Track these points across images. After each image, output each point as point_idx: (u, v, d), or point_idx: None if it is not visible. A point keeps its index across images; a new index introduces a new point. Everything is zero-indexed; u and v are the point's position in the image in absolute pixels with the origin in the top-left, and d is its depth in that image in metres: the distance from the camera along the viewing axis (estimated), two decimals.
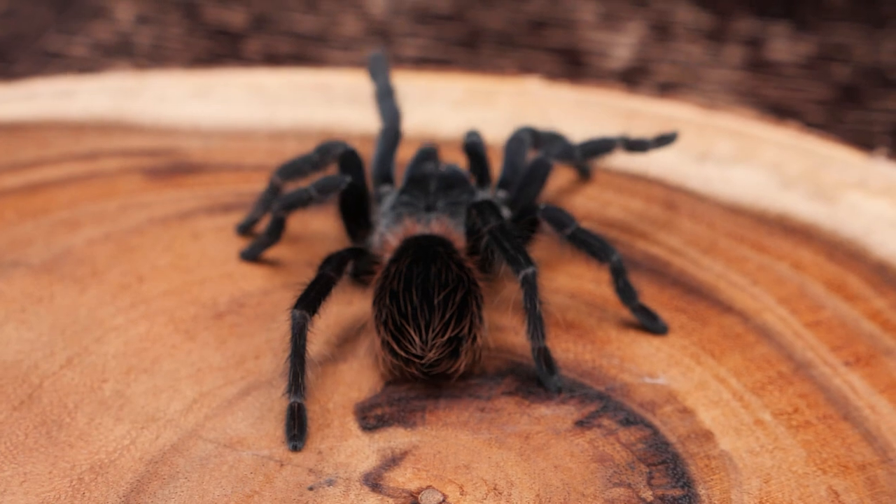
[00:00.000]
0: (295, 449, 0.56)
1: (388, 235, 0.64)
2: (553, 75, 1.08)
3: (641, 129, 0.73)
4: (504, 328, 0.63)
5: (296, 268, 0.66)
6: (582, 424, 0.58)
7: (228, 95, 0.80)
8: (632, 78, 1.03)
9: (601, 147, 0.67)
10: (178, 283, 0.65)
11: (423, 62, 1.06)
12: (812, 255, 0.68)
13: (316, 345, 0.61)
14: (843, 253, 0.68)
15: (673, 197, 0.72)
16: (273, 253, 0.67)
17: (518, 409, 0.58)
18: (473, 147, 0.68)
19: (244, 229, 0.68)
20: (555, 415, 0.58)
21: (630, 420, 0.58)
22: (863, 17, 1.13)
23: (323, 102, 0.80)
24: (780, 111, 1.00)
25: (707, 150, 0.76)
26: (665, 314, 0.64)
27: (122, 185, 0.71)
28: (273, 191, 0.67)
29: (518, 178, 0.67)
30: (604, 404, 0.59)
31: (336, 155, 0.65)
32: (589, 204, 0.71)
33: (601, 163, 0.70)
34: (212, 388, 0.59)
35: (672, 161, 0.74)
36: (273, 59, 1.04)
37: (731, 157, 0.76)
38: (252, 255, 0.66)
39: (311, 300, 0.59)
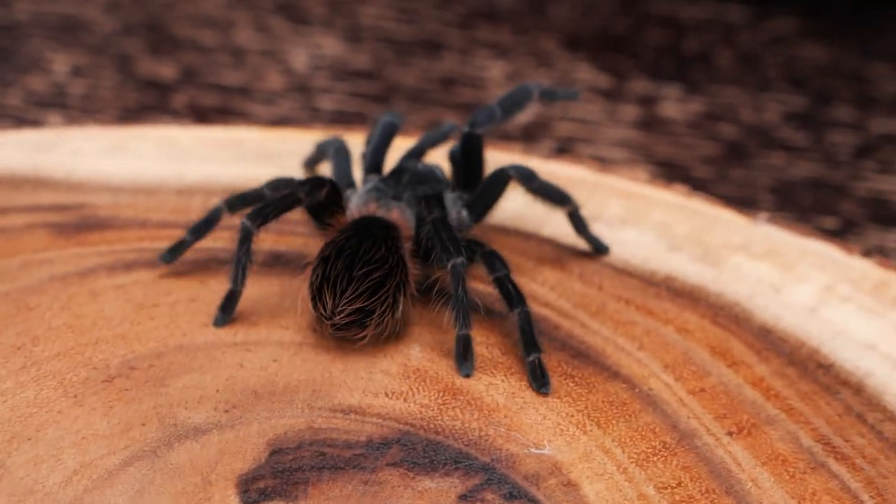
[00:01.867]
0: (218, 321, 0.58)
1: (353, 212, 0.61)
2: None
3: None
4: (394, 394, 0.55)
5: (193, 327, 0.58)
6: (465, 498, 0.49)
7: (141, 150, 0.71)
8: (534, 133, 0.95)
9: (518, 98, 0.65)
10: (71, 344, 0.56)
11: (340, 115, 0.97)
12: (697, 319, 0.60)
13: (203, 412, 0.52)
14: (727, 317, 0.61)
15: (564, 258, 0.64)
16: (169, 309, 0.58)
17: (402, 483, 0.50)
18: (452, 155, 0.65)
19: (172, 256, 0.61)
20: (439, 488, 0.50)
21: (514, 494, 0.50)
22: (748, 81, 1.06)
23: (233, 158, 0.71)
24: (670, 167, 0.93)
25: (598, 210, 0.68)
26: (553, 380, 0.56)
27: (27, 242, 0.62)
28: (210, 221, 0.61)
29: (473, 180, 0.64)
30: (488, 477, 0.50)
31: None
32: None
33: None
34: (94, 457, 0.50)
35: (564, 221, 0.67)
36: (198, 112, 0.95)
37: (621, 218, 0.68)
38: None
39: (262, 215, 0.58)
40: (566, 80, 1.03)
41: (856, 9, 1.21)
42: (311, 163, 0.70)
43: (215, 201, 0.61)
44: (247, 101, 0.97)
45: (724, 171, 0.92)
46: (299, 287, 0.59)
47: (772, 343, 0.59)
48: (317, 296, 0.56)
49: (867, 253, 0.66)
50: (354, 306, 0.56)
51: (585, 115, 0.97)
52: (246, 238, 0.58)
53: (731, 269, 0.64)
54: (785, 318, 0.61)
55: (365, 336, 0.56)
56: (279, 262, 0.62)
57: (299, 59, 1.03)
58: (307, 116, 0.95)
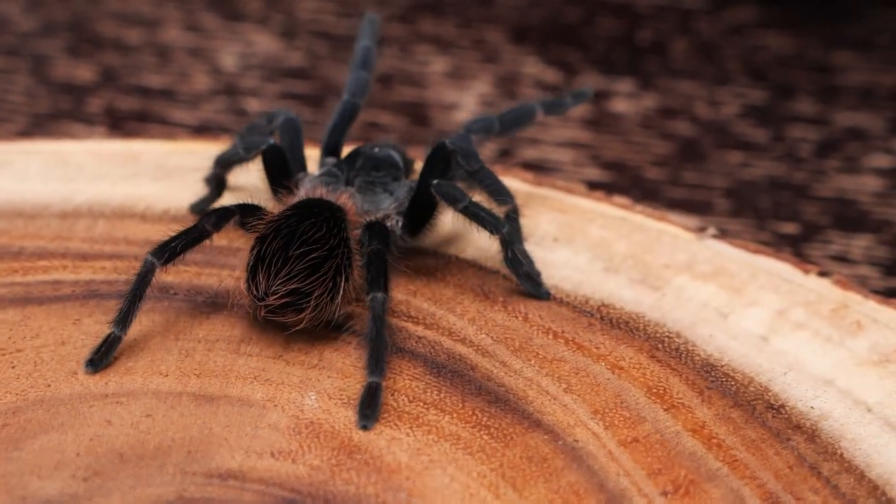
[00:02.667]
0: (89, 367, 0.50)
1: (301, 195, 0.56)
2: (399, 131, 0.92)
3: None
4: (282, 453, 0.47)
5: (59, 376, 0.50)
6: None
7: (27, 168, 0.63)
8: None
9: (520, 116, 0.61)
10: None
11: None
12: (633, 354, 0.53)
13: (58, 481, 0.45)
14: (666, 350, 0.53)
15: (487, 284, 0.57)
16: (34, 355, 0.51)
17: None
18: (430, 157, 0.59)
19: (197, 208, 0.61)
20: None
21: None
22: (705, 73, 0.98)
23: (128, 176, 0.63)
24: (619, 169, 0.85)
25: (530, 228, 0.60)
26: (465, 432, 0.48)
27: None
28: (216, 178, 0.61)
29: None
30: None
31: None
32: (394, 292, 0.56)
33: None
34: None
35: (490, 242, 0.59)
36: (115, 117, 0.87)
37: (554, 235, 0.60)
38: (199, 208, 0.60)
39: (170, 249, 0.52)
40: (514, 76, 0.95)
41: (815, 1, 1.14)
42: (255, 134, 0.61)
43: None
44: (169, 104, 0.89)
45: (676, 173, 0.84)
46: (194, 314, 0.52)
47: (716, 380, 0.51)
48: (251, 276, 0.51)
49: (825, 273, 0.58)
50: (289, 287, 0.51)
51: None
52: (147, 274, 0.52)
53: (673, 293, 0.56)
54: (732, 350, 0.53)
55: (301, 321, 0.51)
56: (166, 296, 0.54)
57: (229, 57, 0.95)
58: (233, 120, 0.87)
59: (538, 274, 0.56)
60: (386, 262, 0.53)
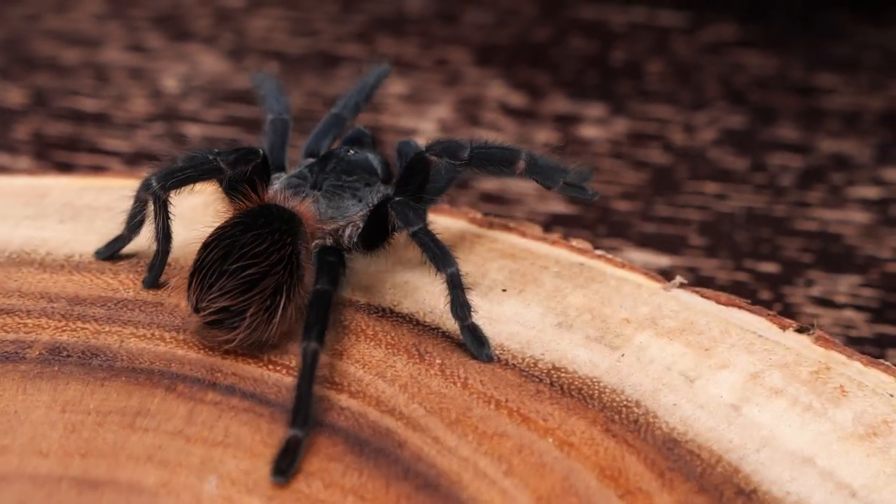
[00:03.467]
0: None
1: (271, 200, 0.51)
2: None
3: None
4: None
5: None
6: None
7: None
8: None
9: (499, 157, 0.52)
10: None
11: (210, 143, 0.82)
12: (586, 427, 0.46)
13: None
14: (624, 423, 0.46)
15: (424, 343, 0.50)
16: None
17: None
18: (399, 152, 0.55)
19: (107, 251, 0.54)
20: None
21: None
22: (681, 96, 0.91)
23: (31, 216, 0.56)
24: (587, 203, 0.78)
25: (476, 277, 0.53)
26: None
27: None
28: (142, 204, 0.52)
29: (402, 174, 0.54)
30: None
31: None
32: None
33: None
34: None
35: (429, 292, 0.52)
36: (43, 144, 0.80)
37: (503, 285, 0.53)
38: (106, 254, 0.53)
39: (175, 177, 0.49)
40: (478, 99, 0.89)
41: (804, 13, 1.07)
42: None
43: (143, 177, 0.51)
44: (103, 129, 0.82)
45: (648, 206, 0.77)
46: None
47: (679, 459, 0.45)
48: (188, 285, 0.48)
49: (805, 328, 0.51)
50: (219, 304, 0.46)
51: (492, 138, 0.83)
52: (158, 203, 0.50)
53: (633, 353, 0.50)
54: (698, 422, 0.46)
55: (232, 341, 0.47)
56: (57, 359, 0.47)
57: (171, 79, 0.88)
58: (170, 147, 0.80)
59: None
60: (329, 306, 0.47)
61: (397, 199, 0.51)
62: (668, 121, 0.87)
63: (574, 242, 0.56)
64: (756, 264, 0.71)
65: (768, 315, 0.52)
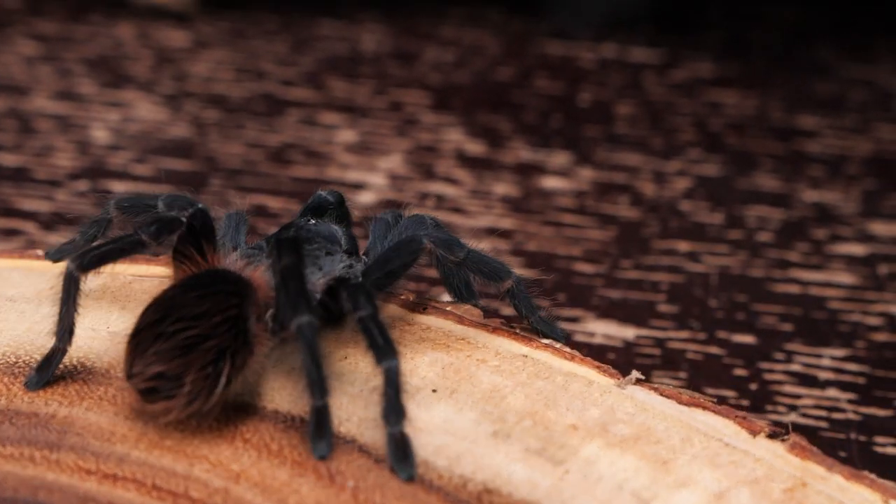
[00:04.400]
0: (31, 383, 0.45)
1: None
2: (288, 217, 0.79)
3: None
4: None
5: None
6: None
7: None
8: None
9: (492, 270, 0.49)
10: None
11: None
12: None
13: None
14: None
15: (336, 461, 0.43)
16: None
17: None
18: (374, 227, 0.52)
19: (58, 255, 0.51)
20: None
21: None
22: (652, 141, 0.85)
23: None
24: (546, 263, 0.71)
25: (405, 372, 0.46)
26: None
27: None
28: (102, 222, 0.50)
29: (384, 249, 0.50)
30: None
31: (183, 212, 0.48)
32: (210, 474, 0.42)
33: None
34: None
35: (347, 394, 0.45)
36: None
37: (434, 385, 0.46)
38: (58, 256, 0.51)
39: (91, 256, 0.45)
40: (433, 147, 0.82)
41: (786, 49, 1.00)
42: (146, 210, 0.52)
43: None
44: (21, 187, 0.75)
45: (613, 269, 0.70)
46: None
47: None
48: (125, 350, 0.43)
49: (777, 433, 0.44)
50: (153, 369, 0.42)
51: (446, 192, 0.76)
52: (70, 283, 0.45)
53: (579, 470, 0.42)
54: None
55: (169, 411, 0.42)
56: None
57: (101, 129, 0.81)
58: (93, 209, 0.73)
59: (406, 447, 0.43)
60: (301, 276, 0.44)
61: (354, 281, 0.47)
62: (637, 169, 0.80)
63: (518, 329, 0.50)
64: (731, 335, 0.64)
65: (736, 417, 0.45)
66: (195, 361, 0.42)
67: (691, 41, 0.99)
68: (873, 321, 0.66)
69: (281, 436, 0.43)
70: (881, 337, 0.65)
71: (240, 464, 0.42)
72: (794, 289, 0.69)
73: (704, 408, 0.46)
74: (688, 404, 0.46)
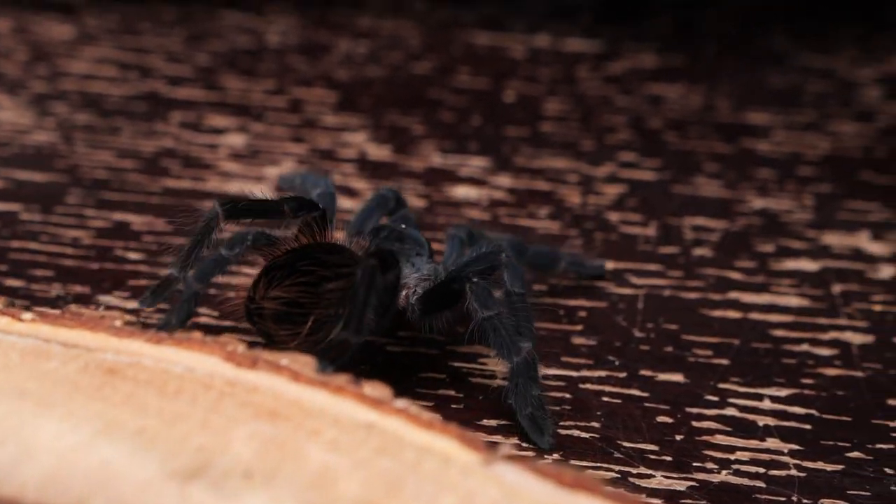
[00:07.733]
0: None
1: None
2: (157, 239, 0.68)
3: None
4: None
5: None
6: None
7: None
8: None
9: (548, 259, 0.58)
10: None
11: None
12: None
13: None
14: None
15: None
16: None
17: None
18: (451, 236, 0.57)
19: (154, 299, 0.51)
20: None
21: None
22: (582, 143, 0.74)
23: None
24: None
25: (214, 450, 0.36)
26: None
27: None
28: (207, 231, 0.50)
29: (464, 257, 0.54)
30: None
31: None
32: None
33: None
34: None
35: (142, 478, 0.35)
36: None
37: (247, 466, 0.36)
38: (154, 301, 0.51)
39: (238, 208, 0.49)
40: (331, 154, 0.72)
41: (738, 38, 0.90)
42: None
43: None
44: None
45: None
46: None
47: None
48: (253, 286, 0.48)
49: None
50: (286, 294, 0.47)
51: (340, 203, 0.65)
52: (210, 221, 0.49)
53: None
54: None
55: (298, 334, 0.47)
56: None
57: None
58: None
59: None
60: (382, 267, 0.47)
61: (478, 279, 0.50)
62: (562, 173, 0.70)
63: (368, 389, 0.39)
64: (656, 373, 0.54)
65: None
66: (324, 297, 0.47)
67: (635, 30, 0.89)
68: (824, 351, 0.56)
69: None
70: (832, 371, 0.55)
71: None
72: (733, 314, 0.58)
73: (591, 491, 0.36)
74: (571, 486, 0.36)
